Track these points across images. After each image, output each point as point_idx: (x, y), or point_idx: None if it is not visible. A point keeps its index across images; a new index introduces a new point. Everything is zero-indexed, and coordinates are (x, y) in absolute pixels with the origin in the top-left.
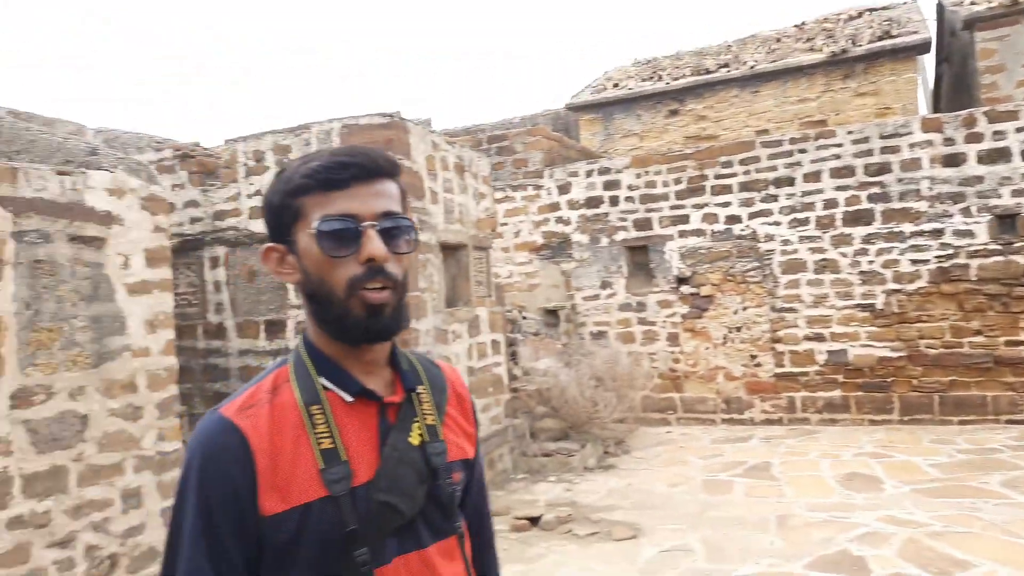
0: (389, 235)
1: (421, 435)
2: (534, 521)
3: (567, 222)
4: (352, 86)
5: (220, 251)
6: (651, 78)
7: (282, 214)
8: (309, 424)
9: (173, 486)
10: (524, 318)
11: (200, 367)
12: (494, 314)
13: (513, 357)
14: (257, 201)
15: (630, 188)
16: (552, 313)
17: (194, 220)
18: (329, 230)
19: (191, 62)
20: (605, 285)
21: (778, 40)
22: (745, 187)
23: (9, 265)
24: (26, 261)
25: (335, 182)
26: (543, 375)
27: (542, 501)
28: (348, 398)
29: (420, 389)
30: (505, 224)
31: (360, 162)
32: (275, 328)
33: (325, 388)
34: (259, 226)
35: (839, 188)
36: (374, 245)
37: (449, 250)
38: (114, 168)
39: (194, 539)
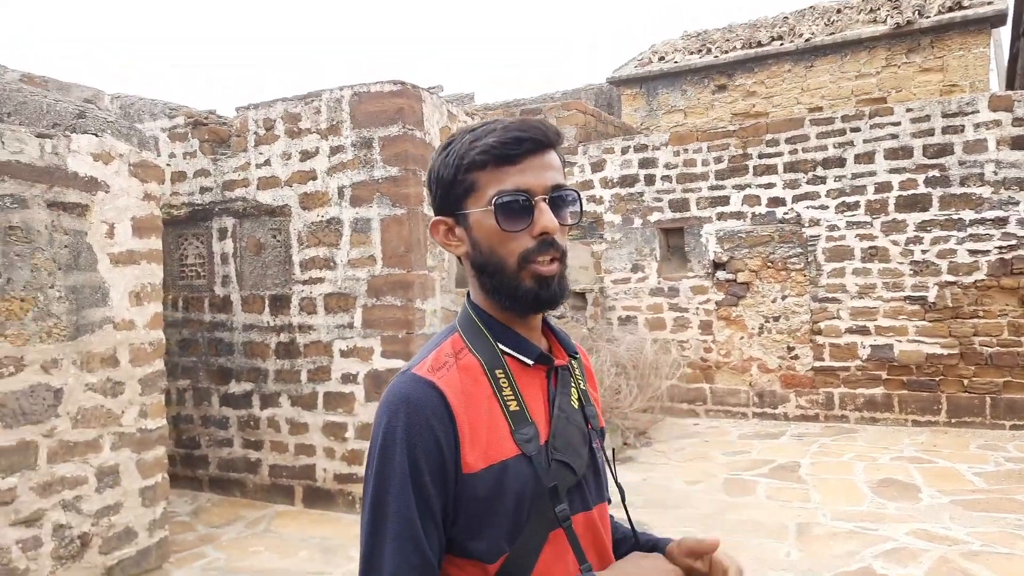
0: (556, 207)
1: (579, 399)
2: None
3: (599, 201)
4: (389, 64)
5: (228, 222)
6: (699, 51)
7: (453, 188)
8: (495, 387)
9: (155, 465)
10: None
11: (206, 340)
12: None
13: None
14: (266, 172)
15: (667, 167)
16: (579, 296)
17: (204, 190)
18: (505, 205)
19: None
20: (636, 268)
21: (839, 11)
22: (791, 168)
23: None
24: None
25: (510, 157)
26: None
27: None
28: (528, 362)
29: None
30: None
31: (533, 136)
32: (280, 303)
33: (504, 353)
34: (267, 197)
35: (894, 171)
36: (547, 219)
37: None
38: (101, 132)
39: (402, 491)
